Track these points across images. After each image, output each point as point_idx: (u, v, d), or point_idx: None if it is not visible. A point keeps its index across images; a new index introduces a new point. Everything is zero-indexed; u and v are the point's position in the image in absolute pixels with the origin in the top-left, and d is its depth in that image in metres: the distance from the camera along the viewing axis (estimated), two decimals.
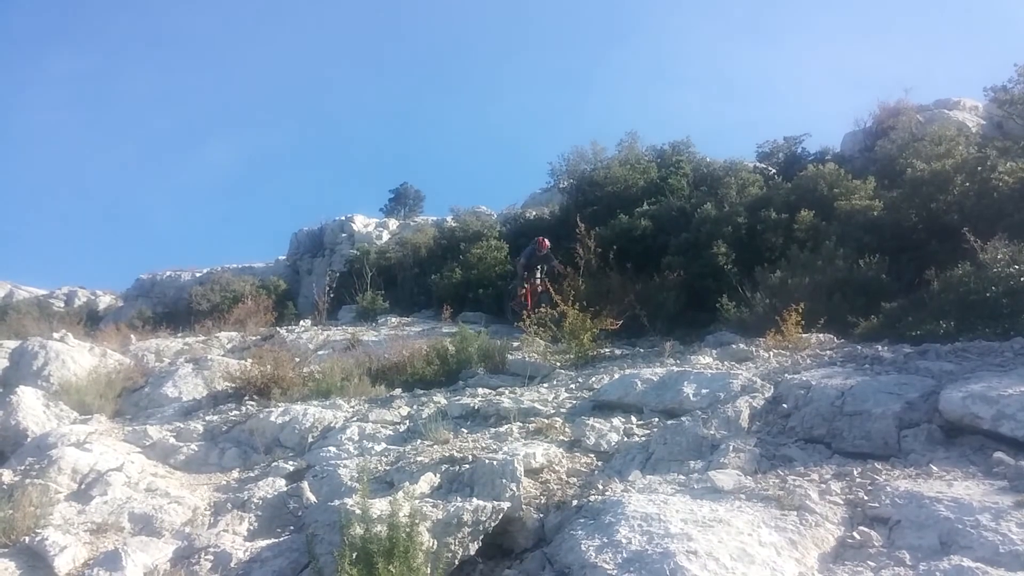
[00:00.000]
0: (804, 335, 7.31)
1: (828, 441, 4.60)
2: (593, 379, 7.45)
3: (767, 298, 8.93)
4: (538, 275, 13.39)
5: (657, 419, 5.65)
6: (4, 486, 6.39)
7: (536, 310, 11.67)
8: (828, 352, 6.73)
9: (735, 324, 9.17)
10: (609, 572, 3.28)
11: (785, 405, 5.13)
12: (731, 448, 4.61)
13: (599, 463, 5.04)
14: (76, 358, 10.96)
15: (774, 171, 16.69)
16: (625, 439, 5.33)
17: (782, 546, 3.35)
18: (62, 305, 30.98)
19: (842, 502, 3.72)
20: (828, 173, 12.16)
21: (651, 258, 12.74)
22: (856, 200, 11.01)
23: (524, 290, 13.47)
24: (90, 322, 21.46)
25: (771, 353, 6.99)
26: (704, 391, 5.72)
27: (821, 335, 7.41)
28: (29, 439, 7.96)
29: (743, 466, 4.40)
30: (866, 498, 3.71)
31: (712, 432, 4.98)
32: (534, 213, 21.46)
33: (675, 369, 6.61)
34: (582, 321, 8.72)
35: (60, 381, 10.20)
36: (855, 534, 3.43)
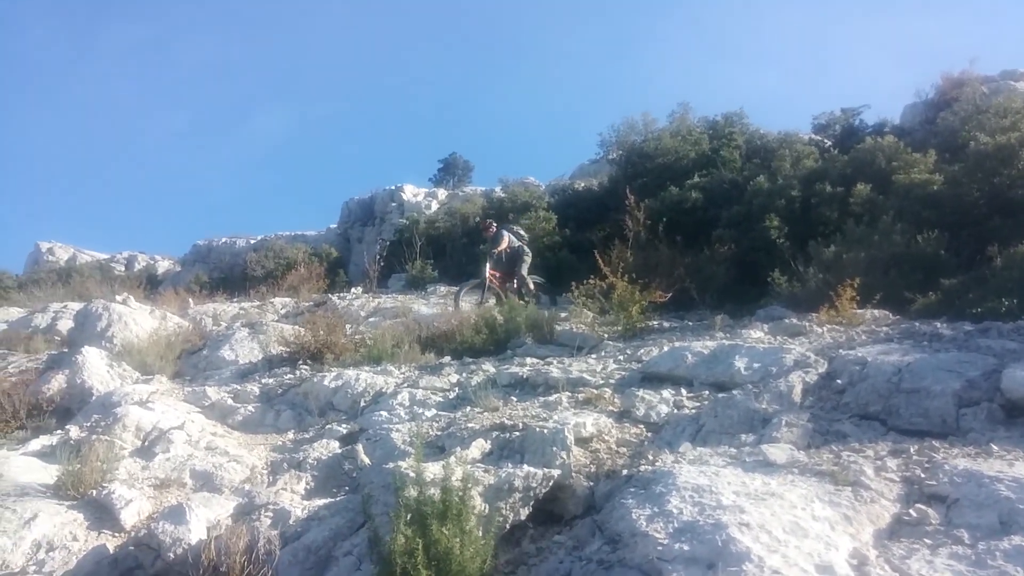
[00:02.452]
0: (859, 311, 7.19)
1: (883, 418, 4.54)
2: (642, 351, 7.44)
3: (820, 273, 8.80)
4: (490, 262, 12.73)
5: (707, 392, 5.64)
6: (72, 441, 6.67)
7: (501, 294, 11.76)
8: (884, 328, 6.61)
9: (786, 299, 9.06)
10: (660, 541, 3.31)
11: (839, 381, 5.07)
12: (783, 422, 4.59)
13: (649, 434, 5.06)
14: (138, 320, 11.31)
15: (830, 143, 16.34)
16: (675, 411, 5.33)
17: (836, 521, 3.33)
18: (122, 269, 31.95)
19: (898, 479, 3.68)
20: (887, 146, 11.86)
21: (701, 231, 12.62)
22: (915, 174, 10.72)
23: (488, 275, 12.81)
24: (150, 286, 22.10)
25: (824, 328, 6.89)
26: (756, 365, 5.68)
27: (876, 311, 7.29)
28: (94, 397, 8.28)
29: (796, 441, 4.38)
30: (923, 476, 3.67)
31: (764, 406, 4.95)
32: (583, 184, 21.36)
33: (726, 342, 6.56)
34: (631, 293, 8.69)
35: (123, 342, 10.56)
36: (911, 511, 3.40)
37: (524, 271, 12.49)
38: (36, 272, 29.47)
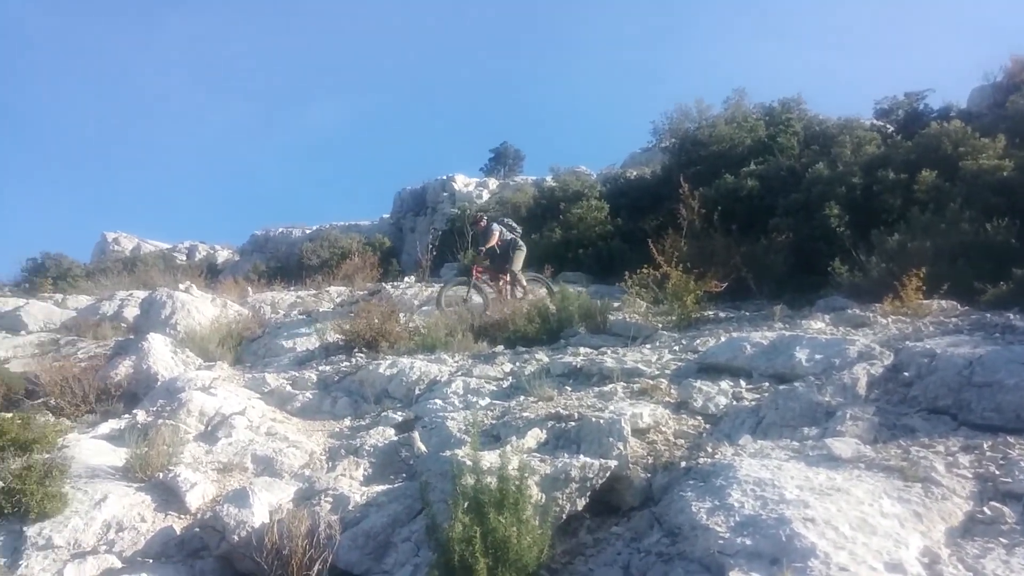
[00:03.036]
0: (925, 301, 6.97)
1: (954, 412, 4.38)
2: (697, 341, 7.34)
3: (884, 262, 8.54)
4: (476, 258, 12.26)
5: (767, 384, 5.53)
6: (139, 425, 6.87)
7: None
8: (953, 319, 6.40)
9: (848, 289, 8.82)
10: (721, 535, 3.26)
11: (906, 373, 4.91)
12: (848, 416, 4.47)
13: (707, 426, 4.99)
14: (200, 308, 11.60)
15: (893, 129, 15.82)
16: (734, 403, 5.24)
17: (906, 518, 3.24)
18: (184, 258, 32.77)
19: (971, 476, 3.56)
20: (953, 131, 11.41)
21: (757, 219, 12.34)
22: (984, 160, 10.30)
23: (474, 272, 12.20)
24: (210, 275, 22.63)
25: (889, 319, 6.70)
26: (818, 356, 5.55)
27: (944, 301, 7.05)
28: (159, 382, 8.51)
29: (861, 435, 4.26)
30: (997, 473, 3.54)
31: (827, 399, 4.83)
32: (635, 173, 21.13)
33: (786, 333, 6.42)
34: (685, 283, 8.58)
35: (186, 329, 10.84)
36: (986, 509, 3.28)
37: (516, 266, 11.88)
38: (103, 261, 30.42)
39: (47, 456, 5.55)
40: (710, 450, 4.40)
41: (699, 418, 5.11)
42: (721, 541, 3.22)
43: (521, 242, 12.13)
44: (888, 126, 16.46)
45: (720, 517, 3.39)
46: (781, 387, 5.25)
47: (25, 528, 4.81)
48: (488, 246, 11.79)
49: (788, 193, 12.45)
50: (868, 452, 3.96)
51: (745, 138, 16.25)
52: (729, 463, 3.97)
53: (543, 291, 11.74)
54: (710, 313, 8.99)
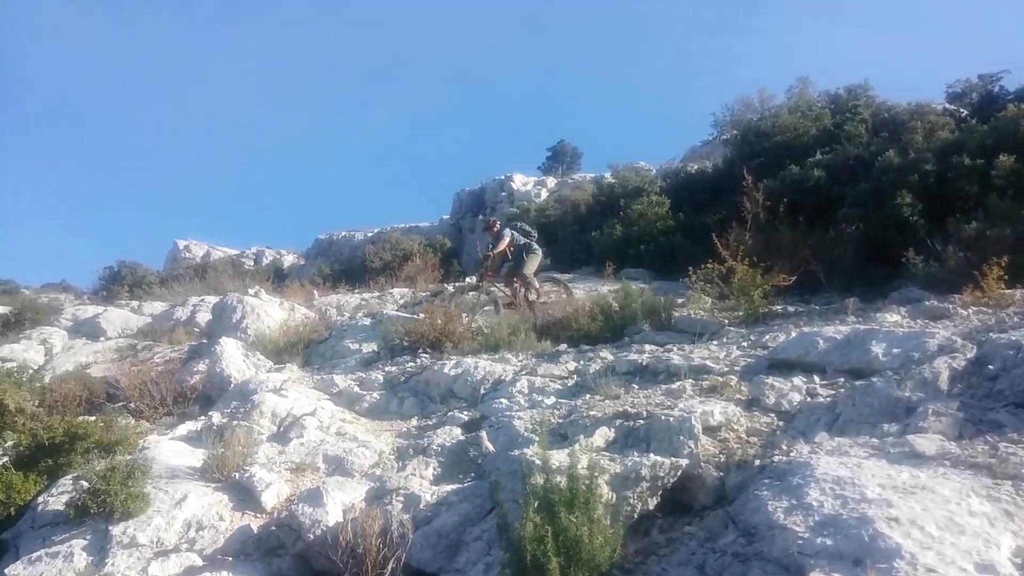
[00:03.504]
0: (1008, 291, 6.69)
1: None
2: (767, 337, 7.19)
3: (961, 251, 8.24)
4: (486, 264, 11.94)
5: (842, 379, 5.37)
6: (215, 427, 7.06)
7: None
8: None
9: (923, 280, 8.53)
10: (800, 535, 3.18)
11: (991, 367, 4.71)
12: (930, 411, 4.31)
13: (780, 423, 4.87)
14: (268, 312, 11.88)
15: (967, 113, 15.25)
16: (808, 399, 5.11)
17: (996, 517, 3.10)
18: (252, 263, 33.68)
19: None
20: None
21: (825, 210, 12.04)
22: None
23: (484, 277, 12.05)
24: (277, 279, 23.20)
25: (970, 310, 6.46)
26: (895, 350, 5.37)
27: None
28: (232, 385, 8.73)
29: (945, 431, 4.10)
30: None
31: (907, 394, 4.67)
32: (695, 167, 20.84)
33: (860, 327, 6.24)
34: (752, 277, 8.41)
35: (256, 332, 11.11)
36: None
37: (529, 270, 11.57)
38: (175, 268, 31.50)
39: (129, 457, 5.75)
40: (785, 448, 4.29)
41: (772, 415, 4.99)
42: (800, 541, 3.13)
43: (536, 246, 11.91)
44: (962, 110, 15.88)
45: (798, 516, 3.30)
46: (857, 383, 5.09)
47: (110, 527, 4.99)
48: (498, 251, 11.59)
49: (857, 182, 12.11)
50: (953, 449, 3.81)
51: (810, 127, 15.88)
52: (806, 461, 3.86)
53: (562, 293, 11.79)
54: (778, 308, 8.80)
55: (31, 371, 12.17)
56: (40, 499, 5.70)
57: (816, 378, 5.50)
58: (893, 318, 6.83)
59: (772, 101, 19.68)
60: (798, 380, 5.45)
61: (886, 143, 12.99)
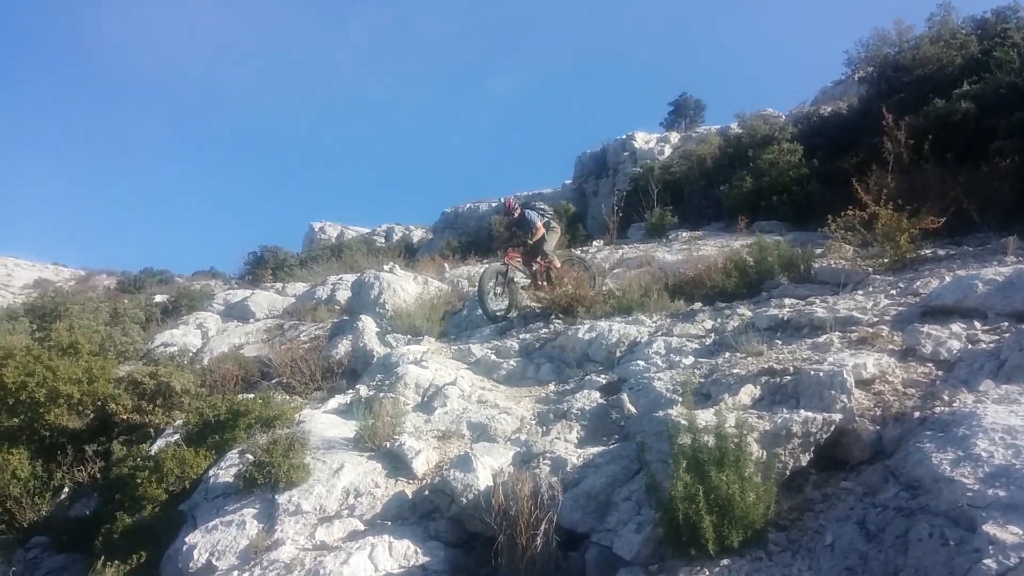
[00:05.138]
0: None
1: None
2: (917, 283, 6.81)
3: None
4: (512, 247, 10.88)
5: (1006, 324, 5.03)
6: (363, 399, 7.43)
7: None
8: None
9: None
10: (969, 487, 3.04)
11: None
12: None
13: (939, 373, 4.63)
14: (404, 286, 12.31)
15: None
16: (969, 346, 4.82)
17: None
18: (383, 241, 34.90)
19: None
20: None
21: (976, 145, 11.15)
22: None
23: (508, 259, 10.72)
24: (408, 254, 23.95)
25: None
26: None
27: None
28: (375, 359, 9.15)
29: None
30: None
31: None
32: (828, 109, 19.78)
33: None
34: (897, 221, 7.95)
35: (393, 307, 11.55)
36: None
37: (550, 247, 10.73)
38: (312, 250, 33.05)
39: (288, 431, 6.16)
40: (947, 398, 4.09)
41: (929, 365, 4.75)
42: (970, 493, 3.00)
43: (554, 223, 11.18)
44: None
45: (966, 468, 3.16)
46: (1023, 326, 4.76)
47: (276, 496, 5.38)
48: (536, 239, 10.54)
49: (1011, 112, 11.15)
50: None
51: (955, 57, 14.71)
52: (971, 411, 3.67)
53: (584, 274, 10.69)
54: (927, 252, 8.31)
55: (191, 354, 13.20)
56: (211, 472, 6.21)
57: (977, 324, 5.17)
58: None
59: (911, 32, 18.33)
60: (956, 327, 5.15)
61: None
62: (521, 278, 11.21)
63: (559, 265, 10.81)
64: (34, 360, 7.99)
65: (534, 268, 10.75)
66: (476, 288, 10.56)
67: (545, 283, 10.53)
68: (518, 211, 10.99)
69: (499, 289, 10.46)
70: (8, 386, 7.68)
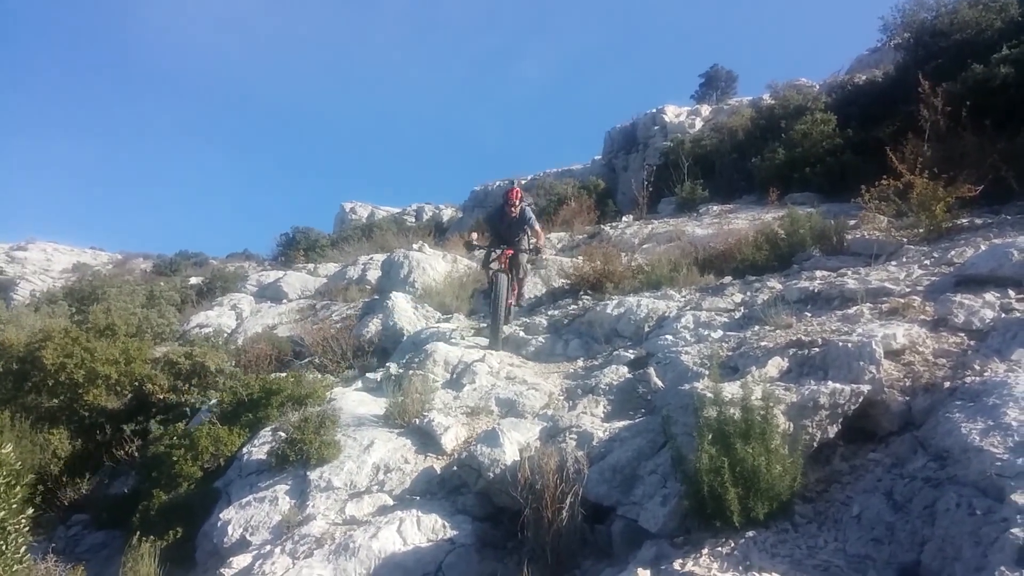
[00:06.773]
0: None
1: None
2: (952, 253, 6.67)
3: None
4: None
5: None
6: (392, 377, 7.50)
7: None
8: None
9: None
10: (999, 456, 2.99)
11: None
12: None
13: (971, 342, 4.53)
14: (433, 265, 12.37)
15: None
16: (1002, 315, 4.71)
17: None
18: (413, 220, 35.02)
19: None
20: None
21: (1015, 111, 10.85)
22: None
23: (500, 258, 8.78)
24: (437, 233, 24.03)
25: None
26: None
27: None
28: (405, 337, 9.21)
29: None
30: None
31: None
32: (863, 78, 19.32)
33: None
34: (933, 190, 7.78)
35: (422, 285, 11.63)
36: None
37: (526, 268, 9.19)
38: (343, 230, 33.30)
39: (319, 408, 6.26)
40: (978, 368, 4.01)
41: (961, 335, 4.65)
42: (999, 463, 2.95)
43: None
44: None
45: (996, 438, 3.10)
46: None
47: (308, 473, 5.48)
48: (541, 243, 8.91)
49: None
50: None
51: (994, 20, 14.26)
52: (1002, 380, 3.60)
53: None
54: (963, 221, 8.12)
55: (225, 335, 13.42)
56: (244, 449, 6.33)
57: (1011, 292, 5.05)
58: None
59: None
60: (990, 296, 5.04)
61: None
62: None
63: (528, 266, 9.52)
64: (72, 342, 8.19)
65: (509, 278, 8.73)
66: (492, 296, 8.40)
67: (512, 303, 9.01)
68: (519, 206, 8.67)
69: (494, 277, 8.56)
70: (48, 368, 7.89)
